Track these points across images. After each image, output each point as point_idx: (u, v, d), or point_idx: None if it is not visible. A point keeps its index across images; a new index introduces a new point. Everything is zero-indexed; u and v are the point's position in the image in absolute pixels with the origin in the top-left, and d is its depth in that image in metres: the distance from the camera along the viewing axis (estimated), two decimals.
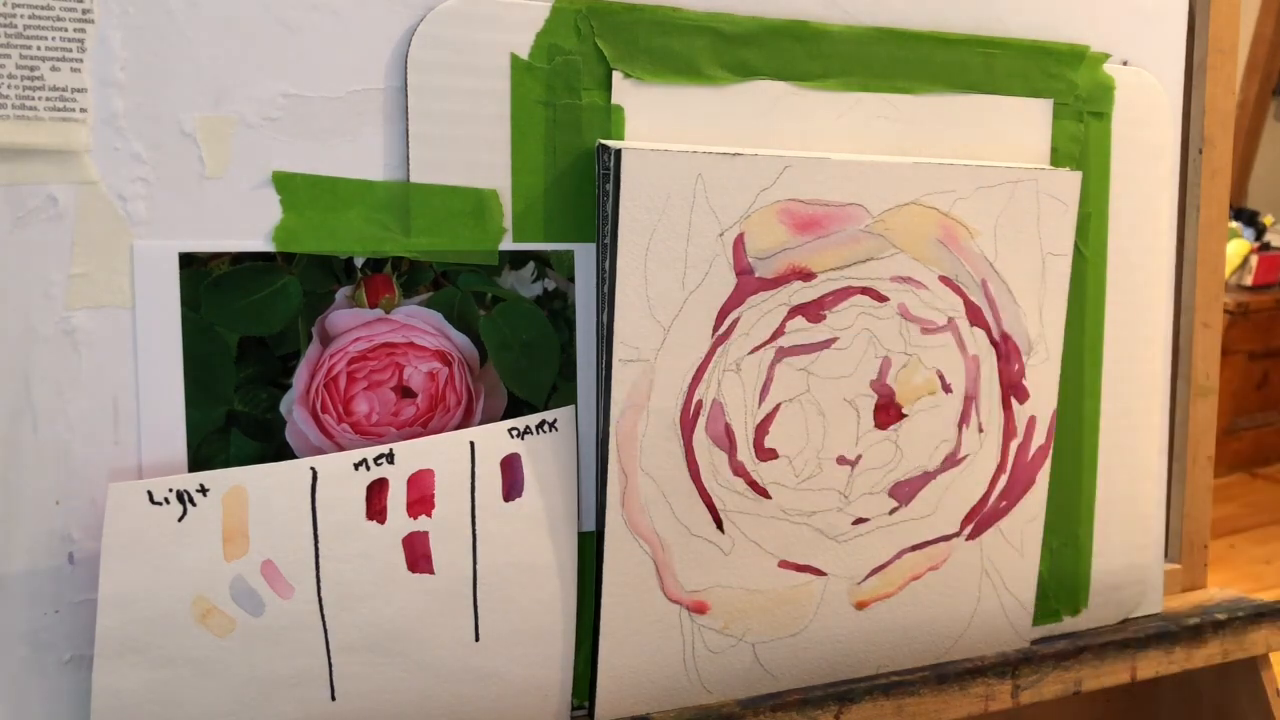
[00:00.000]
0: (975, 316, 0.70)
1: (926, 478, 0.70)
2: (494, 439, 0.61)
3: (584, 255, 0.62)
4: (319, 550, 0.57)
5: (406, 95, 0.58)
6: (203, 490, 0.55)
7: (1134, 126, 0.76)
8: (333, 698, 0.58)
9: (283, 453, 0.58)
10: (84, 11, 0.52)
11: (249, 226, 0.56)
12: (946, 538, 0.72)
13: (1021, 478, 0.73)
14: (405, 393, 0.60)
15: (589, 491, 0.64)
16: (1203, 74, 0.81)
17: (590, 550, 0.64)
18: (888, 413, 0.68)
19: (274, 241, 0.57)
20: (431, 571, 0.59)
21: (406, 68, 0.58)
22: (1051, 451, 0.74)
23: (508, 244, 0.61)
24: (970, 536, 0.73)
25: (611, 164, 0.60)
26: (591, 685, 0.65)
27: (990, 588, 0.74)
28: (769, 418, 0.65)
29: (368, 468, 0.58)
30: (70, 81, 0.53)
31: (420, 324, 0.60)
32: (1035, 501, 0.74)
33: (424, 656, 0.60)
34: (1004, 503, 0.73)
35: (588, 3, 0.61)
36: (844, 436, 0.67)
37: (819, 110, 0.67)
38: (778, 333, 0.65)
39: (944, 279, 0.68)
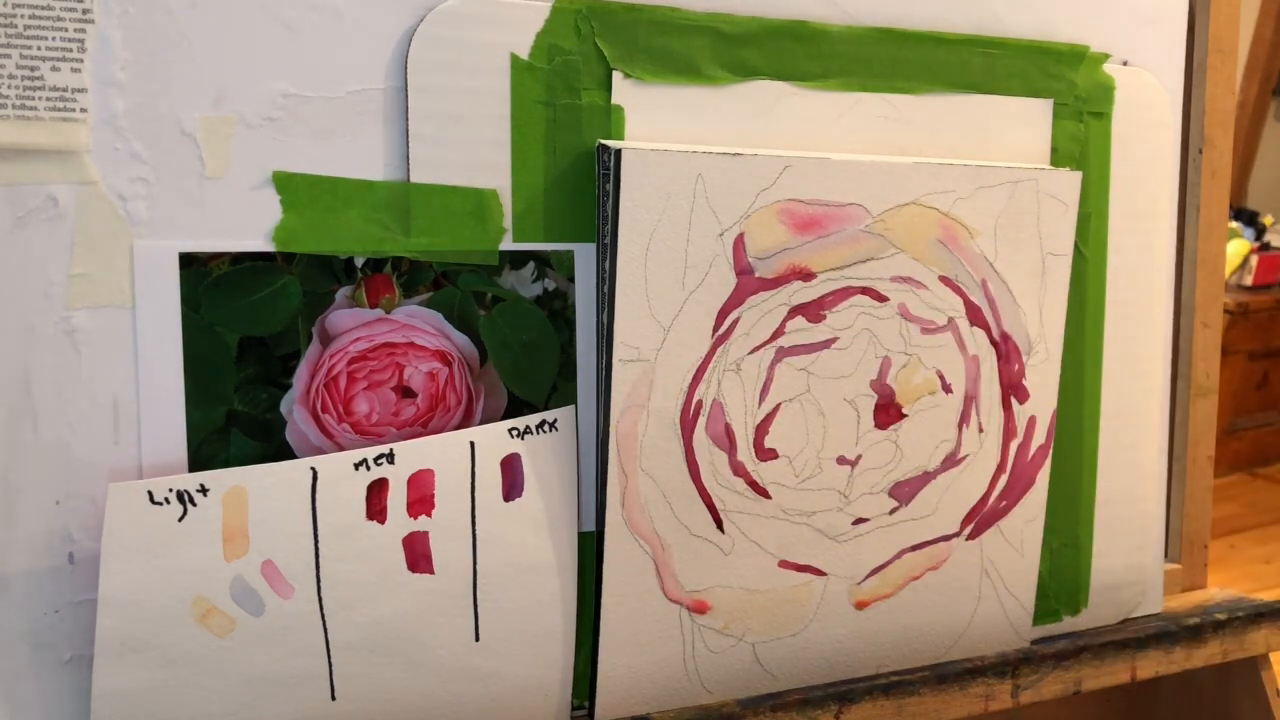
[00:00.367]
0: (975, 316, 0.70)
1: (926, 478, 0.70)
2: (494, 439, 0.61)
3: (584, 255, 0.62)
4: (319, 550, 0.57)
5: (407, 95, 0.58)
6: (203, 490, 0.55)
7: (1134, 127, 0.76)
8: (333, 698, 0.58)
9: (283, 453, 0.58)
10: (84, 11, 0.52)
11: (249, 226, 0.56)
12: (946, 538, 0.72)
13: (1021, 478, 0.73)
14: (405, 393, 0.60)
15: (589, 491, 0.64)
16: (1203, 74, 0.81)
17: (590, 550, 0.64)
18: (888, 413, 0.68)
19: (274, 241, 0.57)
20: (431, 571, 0.59)
21: (407, 68, 0.58)
22: (1051, 451, 0.74)
23: (508, 244, 0.61)
24: (970, 536, 0.73)
25: (611, 164, 0.60)
26: (591, 685, 0.65)
27: (990, 588, 0.74)
28: (769, 418, 0.65)
29: (368, 468, 0.58)
30: (70, 81, 0.53)
31: (420, 324, 0.60)
32: (1035, 501, 0.74)
33: (424, 656, 0.60)
34: (1004, 503, 0.73)
35: (588, 3, 0.61)
36: (844, 436, 0.67)
37: (819, 110, 0.67)
38: (778, 333, 0.65)
39: (944, 279, 0.68)
